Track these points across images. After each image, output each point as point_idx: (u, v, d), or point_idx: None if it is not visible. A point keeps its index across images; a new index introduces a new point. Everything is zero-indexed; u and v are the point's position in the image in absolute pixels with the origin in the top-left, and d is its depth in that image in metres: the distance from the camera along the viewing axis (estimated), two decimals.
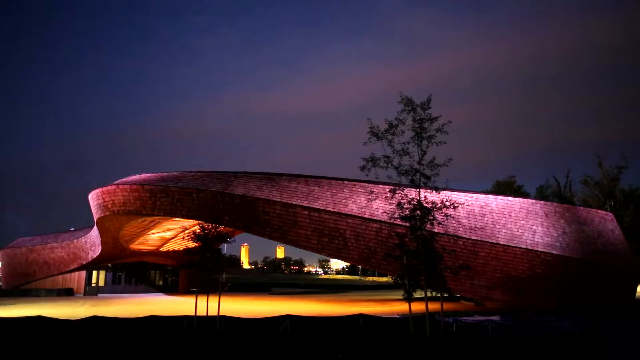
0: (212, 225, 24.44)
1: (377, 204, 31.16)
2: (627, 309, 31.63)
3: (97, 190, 41.36)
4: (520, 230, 32.02)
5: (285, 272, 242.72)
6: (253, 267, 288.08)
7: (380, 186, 29.25)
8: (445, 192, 22.56)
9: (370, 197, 31.11)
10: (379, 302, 45.34)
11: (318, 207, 32.48)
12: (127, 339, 20.22)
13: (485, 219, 32.01)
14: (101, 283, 57.86)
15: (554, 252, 31.55)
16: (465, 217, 31.24)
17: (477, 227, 31.35)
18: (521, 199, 36.20)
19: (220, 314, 23.50)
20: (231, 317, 23.84)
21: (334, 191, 33.33)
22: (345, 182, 33.69)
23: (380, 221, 30.79)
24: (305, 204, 32.81)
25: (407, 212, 19.99)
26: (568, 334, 20.33)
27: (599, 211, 38.84)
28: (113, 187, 39.79)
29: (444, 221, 20.69)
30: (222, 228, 26.36)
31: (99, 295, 54.86)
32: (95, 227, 46.06)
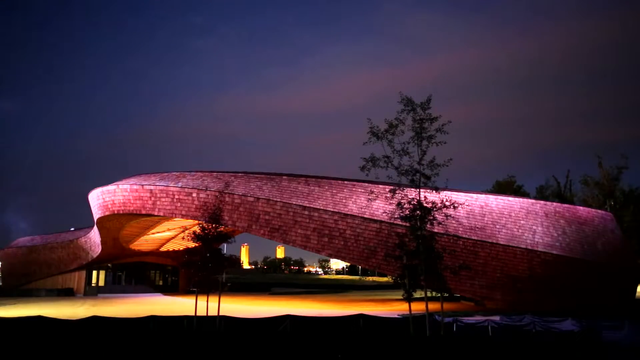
0: (212, 225, 24.43)
1: (377, 204, 31.17)
2: (627, 309, 31.60)
3: (97, 190, 41.38)
4: (520, 230, 32.03)
5: (285, 272, 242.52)
6: (253, 267, 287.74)
7: (380, 186, 29.25)
8: (445, 192, 22.56)
9: (370, 197, 31.11)
10: (379, 302, 45.32)
11: (318, 207, 32.49)
12: (127, 339, 20.23)
13: (485, 219, 32.01)
14: (101, 283, 57.86)
15: (554, 252, 31.56)
16: (465, 217, 31.25)
17: (477, 227, 31.35)
18: (521, 199, 36.21)
19: (220, 314, 23.50)
20: (231, 317, 23.83)
21: (334, 191, 33.34)
22: (345, 182, 33.71)
23: (380, 221, 30.80)
24: (306, 204, 32.82)
25: (407, 212, 19.99)
26: (568, 334, 20.32)
27: (599, 211, 38.86)
28: (113, 187, 39.81)
29: (444, 221, 20.68)
30: (222, 228, 26.34)
31: (99, 295, 54.84)
32: (95, 227, 46.07)
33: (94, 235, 48.24)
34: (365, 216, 31.61)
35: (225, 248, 45.59)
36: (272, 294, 63.88)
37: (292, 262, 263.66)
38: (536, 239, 31.80)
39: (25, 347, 18.82)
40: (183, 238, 54.47)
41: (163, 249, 59.32)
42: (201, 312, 23.87)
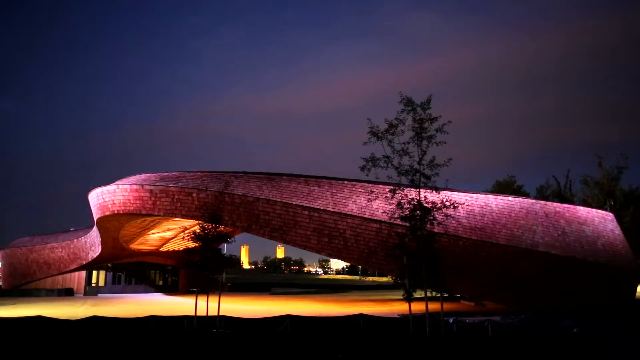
0: (212, 225, 24.43)
1: (377, 204, 31.15)
2: (627, 309, 31.59)
3: (97, 190, 41.35)
4: (520, 230, 31.99)
5: (285, 272, 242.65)
6: (253, 267, 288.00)
7: (380, 186, 29.23)
8: (445, 192, 22.58)
9: (370, 197, 31.08)
10: (379, 302, 45.34)
11: (318, 207, 32.46)
12: (127, 339, 20.23)
13: (485, 219, 31.98)
14: (101, 283, 57.87)
15: (554, 252, 31.52)
16: (465, 217, 31.22)
17: (477, 227, 31.32)
18: (521, 199, 36.17)
19: (220, 314, 23.51)
20: (231, 317, 23.84)
21: (334, 191, 33.32)
22: (345, 182, 33.67)
23: (380, 221, 30.78)
24: (305, 204, 32.79)
25: (407, 212, 20.01)
26: (567, 334, 20.33)
27: (599, 211, 38.77)
28: (113, 187, 39.78)
29: (444, 221, 20.69)
30: (222, 228, 26.35)
31: (99, 295, 54.86)
32: (95, 227, 46.05)
33: (94, 235, 48.22)
34: (365, 216, 31.58)
35: (225, 248, 45.40)
36: (272, 294, 63.89)
37: (292, 262, 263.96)
38: (536, 239, 31.76)
39: (25, 347, 18.82)
40: (183, 238, 54.43)
41: (163, 249, 59.29)
42: (201, 312, 23.88)
